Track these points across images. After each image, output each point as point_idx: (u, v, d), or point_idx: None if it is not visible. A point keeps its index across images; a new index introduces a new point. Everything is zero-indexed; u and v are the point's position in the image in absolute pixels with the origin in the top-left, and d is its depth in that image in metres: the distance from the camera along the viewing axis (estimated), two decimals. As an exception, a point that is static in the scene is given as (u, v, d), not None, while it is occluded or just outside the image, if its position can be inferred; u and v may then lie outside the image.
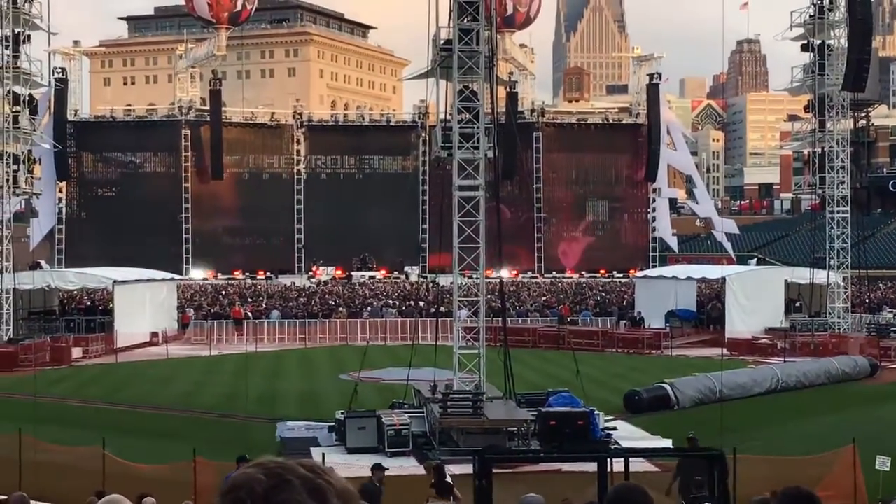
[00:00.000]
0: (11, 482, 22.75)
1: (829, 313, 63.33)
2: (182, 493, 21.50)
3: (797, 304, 64.84)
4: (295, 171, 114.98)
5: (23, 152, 60.64)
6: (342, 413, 32.30)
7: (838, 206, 64.83)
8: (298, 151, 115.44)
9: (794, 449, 27.62)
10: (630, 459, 21.88)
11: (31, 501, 17.45)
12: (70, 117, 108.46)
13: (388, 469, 23.82)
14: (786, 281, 64.65)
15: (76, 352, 55.96)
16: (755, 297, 62.12)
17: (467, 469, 23.25)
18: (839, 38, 64.55)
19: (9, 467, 24.83)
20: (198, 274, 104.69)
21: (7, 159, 59.10)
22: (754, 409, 38.16)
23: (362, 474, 27.37)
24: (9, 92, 59.15)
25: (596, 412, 32.11)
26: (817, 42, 64.38)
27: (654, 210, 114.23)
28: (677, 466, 23.65)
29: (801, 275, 64.86)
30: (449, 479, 23.10)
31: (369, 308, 72.00)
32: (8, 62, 58.35)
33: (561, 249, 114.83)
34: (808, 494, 5.92)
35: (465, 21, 33.25)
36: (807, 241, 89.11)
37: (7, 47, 58.41)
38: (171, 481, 23.89)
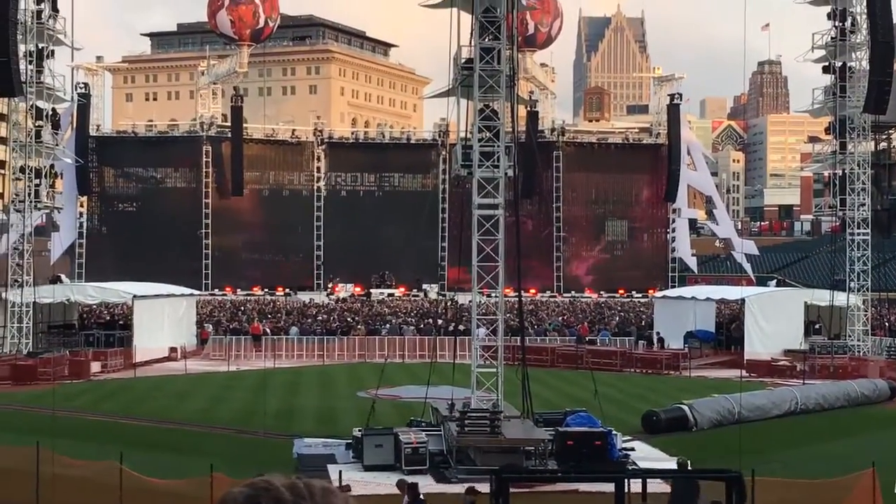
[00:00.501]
0: (29, 496, 22.83)
1: (849, 336, 63.07)
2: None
3: (817, 327, 64.60)
4: (315, 187, 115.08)
5: (45, 167, 61.00)
6: (359, 430, 32.29)
7: (859, 228, 64.66)
8: (318, 168, 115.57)
9: (813, 472, 27.48)
10: (647, 480, 21.86)
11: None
12: (92, 132, 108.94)
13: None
14: (805, 303, 64.40)
15: (95, 366, 56.10)
16: (774, 319, 61.90)
17: (485, 488, 23.21)
18: (861, 60, 64.50)
19: (27, 481, 24.88)
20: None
21: (29, 173, 59.45)
22: (773, 431, 37.99)
23: (379, 492, 27.46)
24: (32, 106, 59.53)
25: (614, 432, 32.04)
26: (839, 64, 64.32)
27: (673, 230, 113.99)
28: (672, 492, 23.53)
29: (821, 297, 64.66)
30: (423, 497, 23.06)
31: (388, 325, 72.01)
32: (31, 77, 58.73)
33: (576, 266, 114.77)
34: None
35: (486, 40, 33.33)
36: (827, 263, 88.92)
37: (31, 62, 58.80)
38: (188, 496, 23.92)
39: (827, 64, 65.69)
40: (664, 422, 38.04)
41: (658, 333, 66.64)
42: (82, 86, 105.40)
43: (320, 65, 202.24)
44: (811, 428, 39.41)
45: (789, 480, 25.42)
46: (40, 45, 59.37)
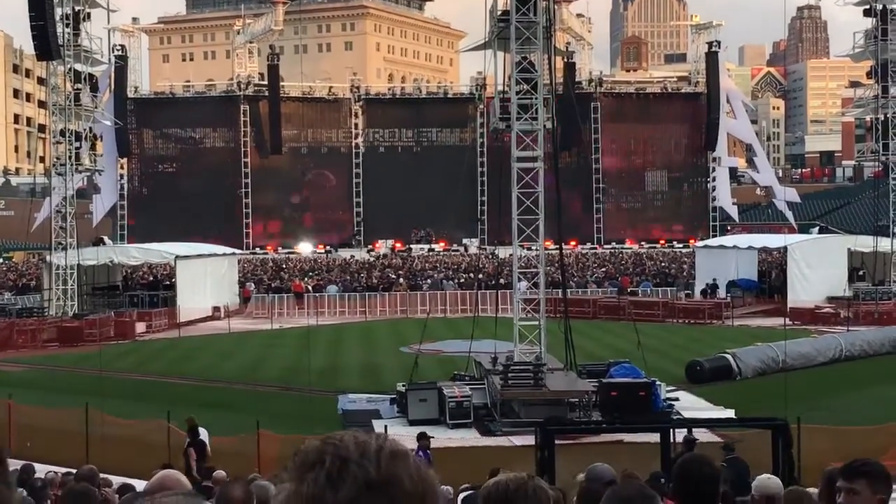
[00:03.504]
0: (79, 455, 23.09)
1: (893, 281, 62.64)
2: (247, 465, 21.69)
3: (860, 273, 64.13)
4: (353, 144, 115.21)
5: (84, 129, 61.30)
6: (403, 385, 32.44)
7: (902, 172, 64.05)
8: (356, 125, 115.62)
9: (858, 419, 27.40)
10: (693, 430, 21.84)
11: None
12: (130, 94, 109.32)
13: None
14: (849, 249, 63.81)
15: (140, 326, 56.57)
16: (818, 266, 61.42)
17: (529, 440, 23.30)
18: (902, 2, 63.66)
19: (77, 441, 25.21)
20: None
21: (69, 136, 59.77)
22: (818, 378, 37.85)
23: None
24: (70, 70, 59.78)
25: (657, 383, 32.01)
26: (880, 6, 63.49)
27: (713, 179, 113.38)
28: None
29: (865, 243, 64.12)
30: (203, 438, 22.99)
31: (429, 281, 72.05)
32: (69, 40, 58.93)
33: (616, 217, 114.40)
34: (875, 465, 5.85)
35: (522, -9, 33.06)
36: (870, 208, 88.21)
37: (68, 25, 58.98)
38: (237, 453, 24.16)
39: (868, 7, 64.85)
40: (708, 371, 37.98)
41: (714, 280, 64.83)
42: (119, 48, 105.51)
43: (355, 21, 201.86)
44: (856, 374, 39.23)
45: (836, 427, 25.35)
46: (77, 8, 59.53)
